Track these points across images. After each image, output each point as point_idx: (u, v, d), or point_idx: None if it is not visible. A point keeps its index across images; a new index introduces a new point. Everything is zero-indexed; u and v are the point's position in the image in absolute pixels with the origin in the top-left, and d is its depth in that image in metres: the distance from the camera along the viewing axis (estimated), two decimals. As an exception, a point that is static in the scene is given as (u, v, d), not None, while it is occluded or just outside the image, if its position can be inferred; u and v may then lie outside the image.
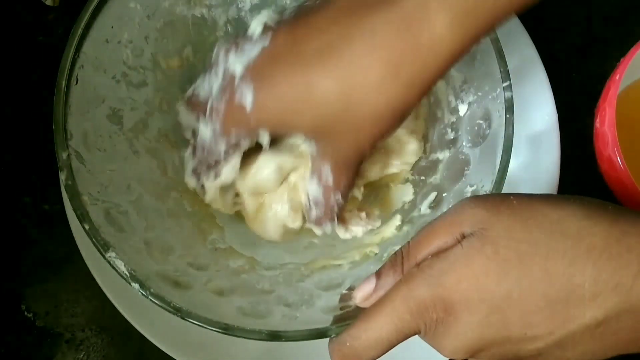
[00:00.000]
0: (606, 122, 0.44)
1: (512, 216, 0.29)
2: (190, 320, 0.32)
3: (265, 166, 0.39)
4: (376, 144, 0.35)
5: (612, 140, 0.43)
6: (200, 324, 0.32)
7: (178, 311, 0.33)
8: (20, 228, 0.47)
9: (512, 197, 0.30)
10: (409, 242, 0.31)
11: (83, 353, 0.45)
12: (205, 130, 0.37)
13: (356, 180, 0.38)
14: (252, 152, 0.39)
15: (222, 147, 0.37)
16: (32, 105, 0.49)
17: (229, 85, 0.35)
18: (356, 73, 0.32)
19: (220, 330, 0.32)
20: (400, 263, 0.30)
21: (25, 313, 0.46)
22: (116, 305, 0.41)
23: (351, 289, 0.34)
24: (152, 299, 0.33)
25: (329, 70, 0.33)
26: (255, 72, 0.34)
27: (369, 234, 0.42)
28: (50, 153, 0.35)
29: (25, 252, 0.47)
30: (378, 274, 0.31)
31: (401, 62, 0.31)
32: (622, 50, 0.46)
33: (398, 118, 0.34)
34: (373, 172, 0.42)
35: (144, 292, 0.33)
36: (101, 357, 0.45)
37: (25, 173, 0.48)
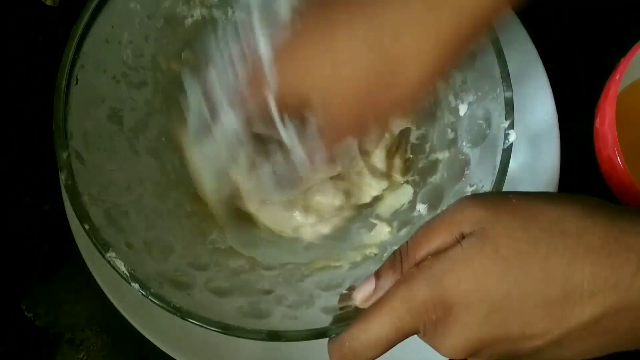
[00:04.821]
0: (606, 122, 0.44)
1: (512, 215, 0.29)
2: (190, 320, 0.32)
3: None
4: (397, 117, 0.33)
5: (612, 140, 0.43)
6: (200, 324, 0.32)
7: (178, 311, 0.32)
8: (20, 228, 0.47)
9: (511, 195, 0.30)
10: (407, 241, 0.31)
11: (83, 353, 0.45)
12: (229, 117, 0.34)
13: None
14: None
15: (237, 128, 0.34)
16: (32, 105, 0.49)
17: (253, 64, 0.33)
18: (389, 33, 0.30)
19: (220, 330, 0.32)
20: (399, 263, 0.30)
21: (25, 313, 0.46)
22: (116, 305, 0.41)
23: (351, 289, 0.34)
24: (152, 299, 0.33)
25: (356, 30, 0.30)
26: (283, 47, 0.32)
27: (368, 234, 0.42)
28: (50, 153, 0.35)
29: (25, 252, 0.47)
30: (377, 275, 0.31)
31: (438, 20, 0.30)
32: (622, 50, 0.46)
33: (427, 88, 0.32)
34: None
35: (144, 292, 0.33)
36: (101, 357, 0.45)
37: (25, 173, 0.48)
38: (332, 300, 0.35)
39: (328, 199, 0.42)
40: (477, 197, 0.30)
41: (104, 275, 0.42)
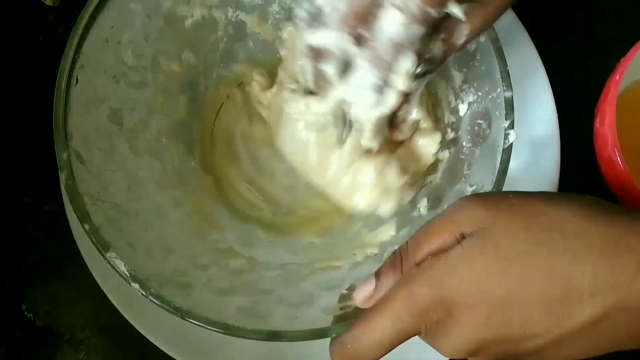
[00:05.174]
0: (606, 122, 0.44)
1: (512, 215, 0.29)
2: (190, 320, 0.32)
3: None
4: None
5: (612, 140, 0.43)
6: (200, 324, 0.32)
7: (178, 311, 0.32)
8: (20, 228, 0.47)
9: (511, 195, 0.30)
10: (407, 241, 0.31)
11: (83, 353, 0.45)
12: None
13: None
14: None
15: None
16: (32, 106, 0.49)
17: None
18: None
19: (220, 330, 0.32)
20: (399, 263, 0.30)
21: (25, 313, 0.46)
22: (116, 305, 0.41)
23: (351, 288, 0.34)
24: (152, 299, 0.33)
25: None
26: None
27: (369, 234, 0.42)
28: (50, 153, 0.35)
29: (25, 252, 0.47)
30: (377, 275, 0.31)
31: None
32: (622, 50, 0.46)
33: None
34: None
35: (144, 292, 0.33)
36: (101, 357, 0.45)
37: (25, 173, 0.48)
38: (332, 300, 0.35)
39: (392, 178, 0.42)
40: (477, 197, 0.30)
41: (104, 275, 0.42)
